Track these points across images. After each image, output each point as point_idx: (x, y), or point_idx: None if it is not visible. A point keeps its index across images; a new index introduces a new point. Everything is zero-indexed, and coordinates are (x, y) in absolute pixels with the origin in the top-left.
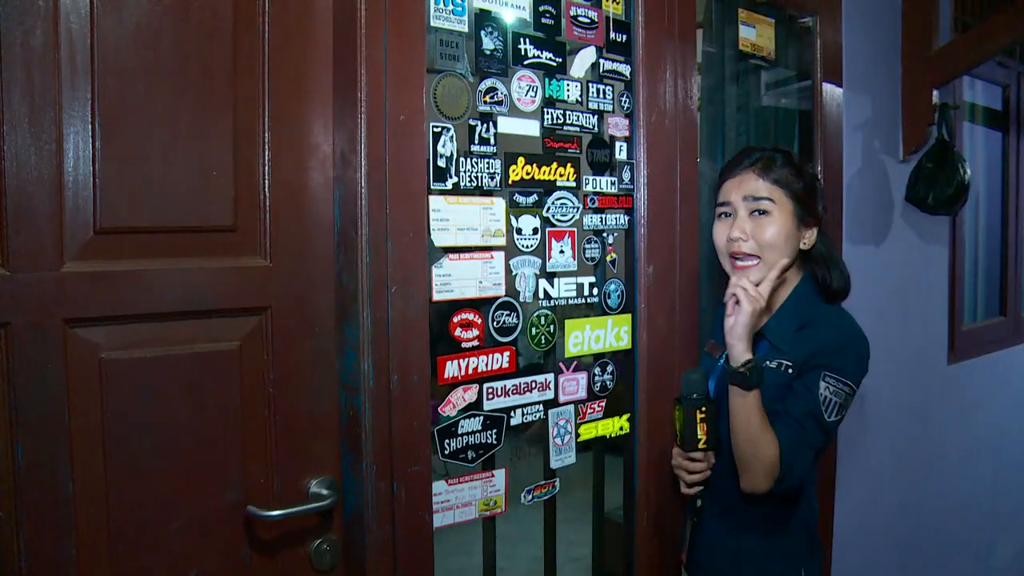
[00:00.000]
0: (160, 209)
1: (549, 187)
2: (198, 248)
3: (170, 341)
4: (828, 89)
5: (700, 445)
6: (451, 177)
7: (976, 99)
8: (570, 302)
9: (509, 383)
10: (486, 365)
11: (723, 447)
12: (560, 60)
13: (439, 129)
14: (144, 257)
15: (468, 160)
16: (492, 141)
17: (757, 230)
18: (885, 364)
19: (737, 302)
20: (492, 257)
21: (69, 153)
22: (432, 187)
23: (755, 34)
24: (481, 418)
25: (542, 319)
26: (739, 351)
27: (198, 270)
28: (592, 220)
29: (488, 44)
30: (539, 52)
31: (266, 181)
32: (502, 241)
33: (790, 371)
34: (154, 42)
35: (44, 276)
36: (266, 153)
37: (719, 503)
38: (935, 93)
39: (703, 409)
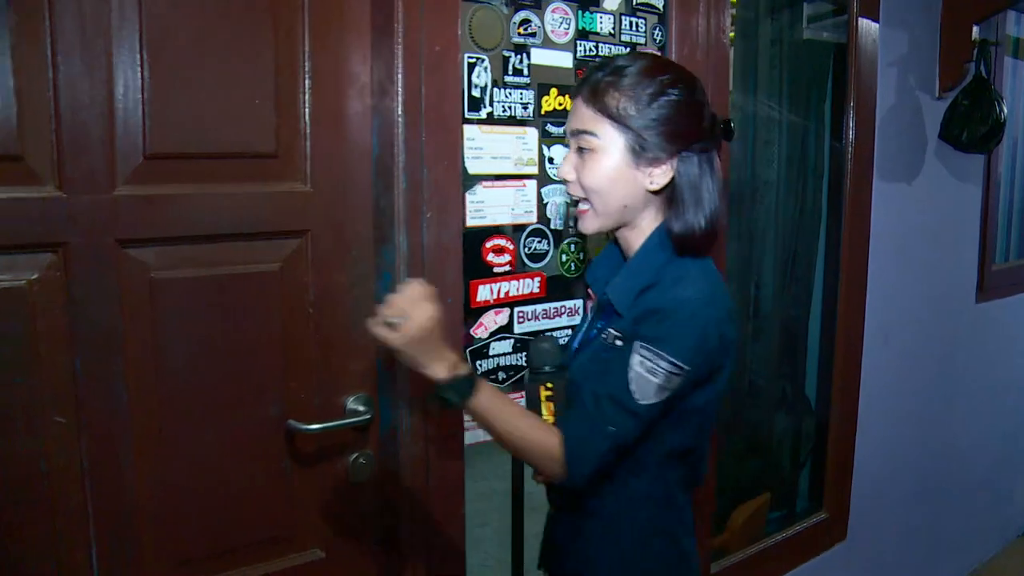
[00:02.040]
0: (206, 135)
1: None
2: (242, 173)
3: (215, 262)
4: (864, 24)
5: None
6: (485, 107)
7: (1021, 33)
8: None
9: (539, 307)
10: (517, 290)
11: None
12: None
13: (473, 60)
14: (191, 181)
15: (502, 90)
16: (525, 72)
17: (582, 170)
18: (912, 301)
19: None
20: (524, 185)
21: (119, 81)
22: (467, 116)
23: None
24: (512, 341)
25: (572, 246)
26: (430, 373)
27: (242, 195)
28: None
29: None
30: None
31: (306, 109)
32: (534, 170)
33: (618, 342)
34: None
35: (98, 199)
36: (306, 82)
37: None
38: (975, 29)
39: (548, 385)
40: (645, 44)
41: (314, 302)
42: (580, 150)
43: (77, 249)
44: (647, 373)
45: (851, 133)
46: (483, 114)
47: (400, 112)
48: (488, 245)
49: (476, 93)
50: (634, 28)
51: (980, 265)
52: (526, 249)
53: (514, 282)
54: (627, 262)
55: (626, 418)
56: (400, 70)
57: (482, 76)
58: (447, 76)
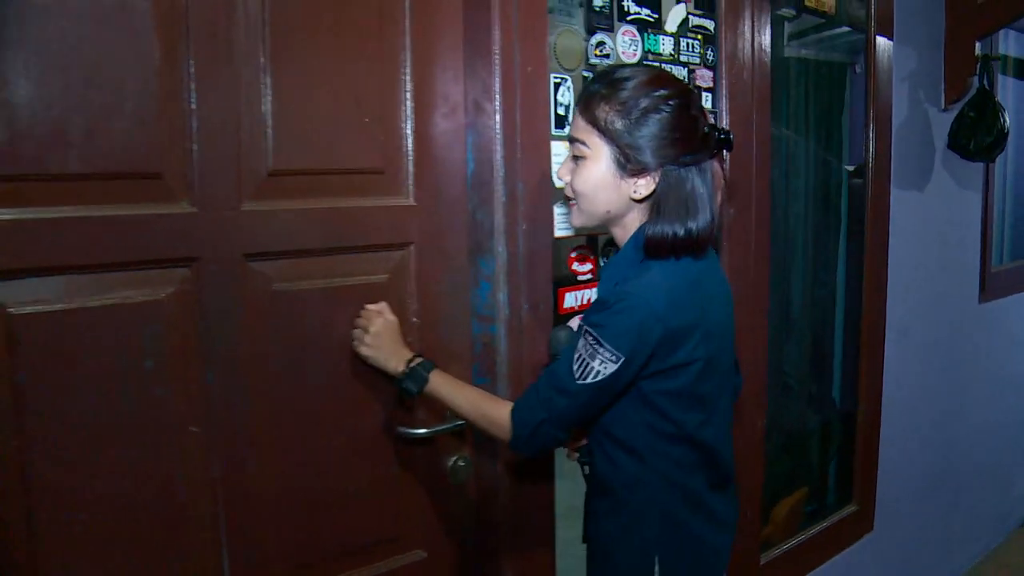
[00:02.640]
0: (321, 153)
1: None
2: (353, 189)
3: (329, 274)
4: (880, 42)
5: None
6: (568, 124)
7: (1009, 51)
8: None
9: None
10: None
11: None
12: (656, 16)
13: (558, 80)
14: (309, 197)
15: None
16: None
17: (574, 175)
18: (922, 301)
19: None
20: None
21: (246, 104)
22: (553, 133)
23: None
24: None
25: None
26: (390, 369)
27: (354, 209)
28: None
29: (598, 1)
30: (639, 8)
31: (408, 127)
32: None
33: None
34: (316, 4)
35: (226, 215)
36: (408, 102)
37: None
38: (977, 45)
39: None
40: (699, 64)
41: (417, 311)
42: (575, 156)
43: (208, 264)
44: (587, 356)
45: (871, 145)
46: (566, 131)
47: (498, 129)
48: (573, 254)
49: (560, 111)
50: (690, 49)
51: (982, 267)
52: (604, 257)
53: (595, 289)
54: (612, 258)
55: (559, 396)
56: (498, 90)
57: (565, 95)
58: (538, 95)
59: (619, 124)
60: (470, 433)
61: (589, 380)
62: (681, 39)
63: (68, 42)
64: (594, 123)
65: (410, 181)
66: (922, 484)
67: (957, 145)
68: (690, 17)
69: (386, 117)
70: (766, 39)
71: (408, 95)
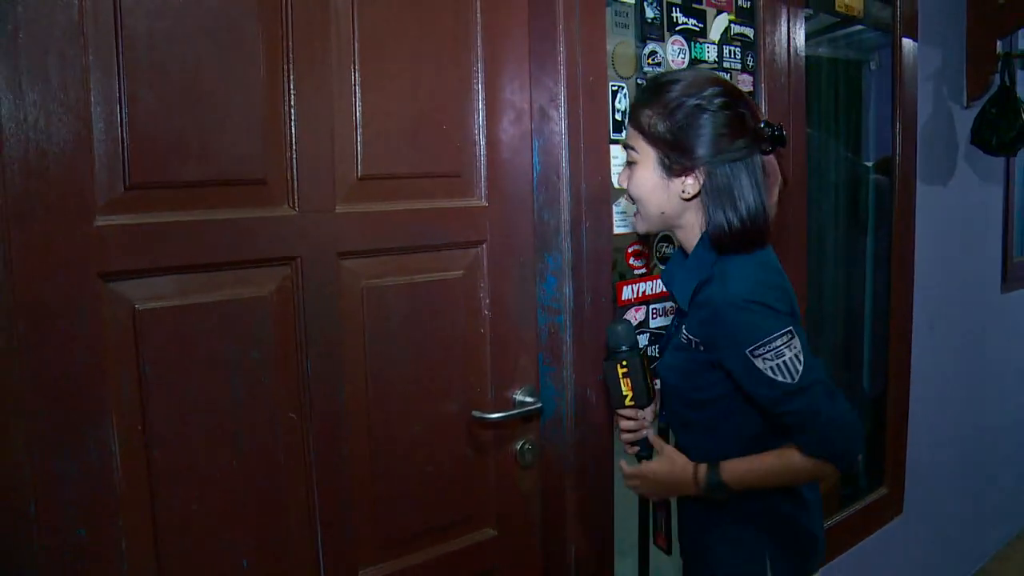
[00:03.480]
0: (406, 158)
1: None
2: (435, 191)
3: (411, 271)
4: (906, 43)
5: (627, 402)
6: (625, 128)
7: None
8: None
9: (669, 304)
10: (652, 289)
11: (675, 413)
12: (702, 26)
13: (615, 88)
14: (395, 199)
15: None
16: None
17: (629, 180)
18: (947, 291)
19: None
20: None
21: (339, 115)
22: (612, 138)
23: None
24: (648, 334)
25: None
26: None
27: (435, 210)
28: None
29: (650, 13)
30: (686, 19)
31: (481, 134)
32: None
33: (701, 348)
34: (400, 23)
35: (323, 216)
36: (481, 110)
37: None
38: (998, 43)
39: (624, 363)
40: (740, 69)
41: (489, 304)
42: (629, 162)
43: (306, 262)
44: (776, 359)
45: (897, 143)
46: (623, 135)
47: (565, 135)
48: (629, 250)
49: (618, 116)
50: (732, 56)
51: (1004, 258)
52: (657, 253)
53: (649, 282)
54: (685, 261)
55: (815, 398)
56: (563, 98)
57: (622, 101)
58: (599, 102)
59: (661, 127)
60: (537, 418)
61: (803, 366)
62: (724, 47)
63: (187, 63)
64: (639, 128)
65: (483, 183)
66: (951, 468)
67: (980, 140)
68: (731, 26)
69: (462, 124)
70: (801, 43)
71: (481, 103)
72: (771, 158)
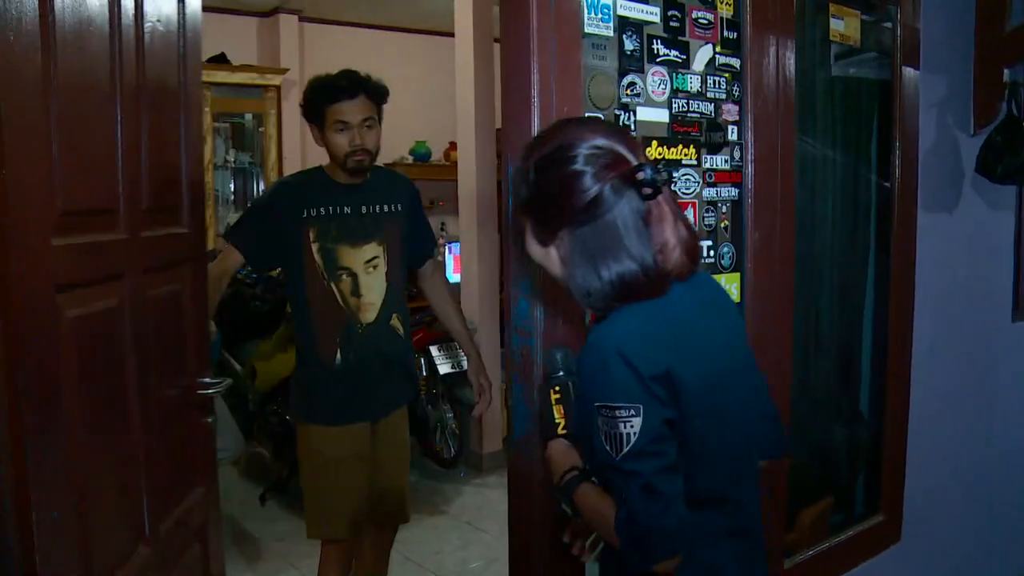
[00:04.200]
0: None
1: (676, 165)
2: None
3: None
4: (907, 72)
5: (559, 430)
6: None
7: None
8: None
9: None
10: None
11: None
12: (684, 57)
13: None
14: None
15: None
16: (633, 127)
17: None
18: (952, 318)
19: None
20: None
21: None
22: None
23: (843, 25)
24: None
25: None
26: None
27: None
28: (709, 193)
29: (628, 45)
30: (668, 51)
31: None
32: None
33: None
34: None
35: None
36: None
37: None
38: (1005, 72)
39: (557, 389)
40: (726, 99)
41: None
42: None
43: None
44: (609, 428)
45: (897, 170)
46: None
47: None
48: None
49: None
50: (716, 86)
51: (1015, 286)
52: None
53: None
54: None
55: (624, 480)
56: (535, 130)
57: None
58: None
59: (522, 194)
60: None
61: (628, 449)
62: (709, 77)
63: None
64: (516, 196)
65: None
66: (953, 498)
67: (986, 169)
68: (717, 56)
69: None
70: (791, 72)
71: None
72: (663, 197)
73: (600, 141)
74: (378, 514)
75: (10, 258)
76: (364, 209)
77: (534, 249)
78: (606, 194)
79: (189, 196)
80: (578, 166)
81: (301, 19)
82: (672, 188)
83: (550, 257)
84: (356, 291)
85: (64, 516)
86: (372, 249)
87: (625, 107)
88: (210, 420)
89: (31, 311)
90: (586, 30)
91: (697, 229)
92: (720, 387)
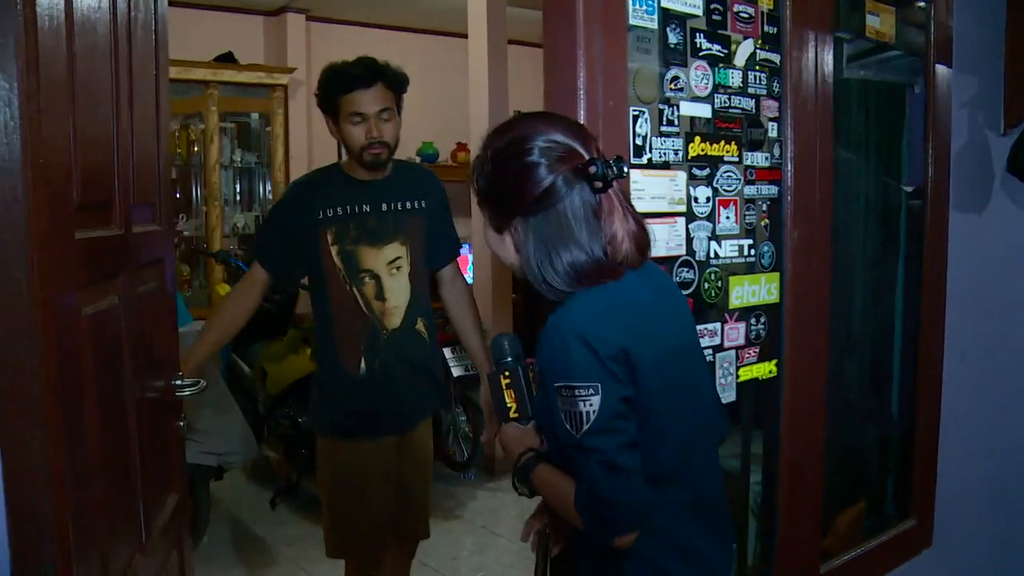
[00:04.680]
0: None
1: (717, 162)
2: None
3: None
4: (940, 70)
5: (511, 414)
6: (646, 153)
7: None
8: (733, 261)
9: None
10: None
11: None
12: (726, 51)
13: (636, 113)
14: None
15: (658, 139)
16: (675, 122)
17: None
18: (983, 320)
19: None
20: (676, 222)
21: None
22: (632, 162)
23: (879, 22)
24: None
25: (712, 275)
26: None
27: None
28: (750, 190)
29: (672, 39)
30: (710, 45)
31: None
32: (683, 208)
33: (541, 378)
34: None
35: None
36: None
37: None
38: None
39: (507, 374)
40: (766, 95)
41: None
42: None
43: None
44: (569, 407)
45: (930, 170)
46: (644, 160)
47: None
48: None
49: (639, 142)
50: (757, 82)
51: None
52: (677, 278)
53: None
54: None
55: (585, 457)
56: (583, 123)
57: (643, 126)
58: (619, 127)
59: (479, 182)
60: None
61: (589, 426)
62: (749, 72)
63: None
64: (474, 184)
65: None
66: (985, 501)
67: (1016, 169)
68: (757, 51)
69: None
70: (829, 69)
71: None
72: (614, 189)
73: (555, 136)
74: (400, 530)
75: (45, 252)
76: (384, 206)
77: (490, 236)
78: (558, 185)
79: (162, 192)
80: (533, 158)
81: (308, 18)
82: (619, 183)
83: (505, 244)
84: (381, 295)
85: (90, 521)
86: (395, 249)
87: (668, 102)
88: (181, 424)
89: (58, 310)
90: (631, 22)
91: (738, 228)
92: (673, 365)
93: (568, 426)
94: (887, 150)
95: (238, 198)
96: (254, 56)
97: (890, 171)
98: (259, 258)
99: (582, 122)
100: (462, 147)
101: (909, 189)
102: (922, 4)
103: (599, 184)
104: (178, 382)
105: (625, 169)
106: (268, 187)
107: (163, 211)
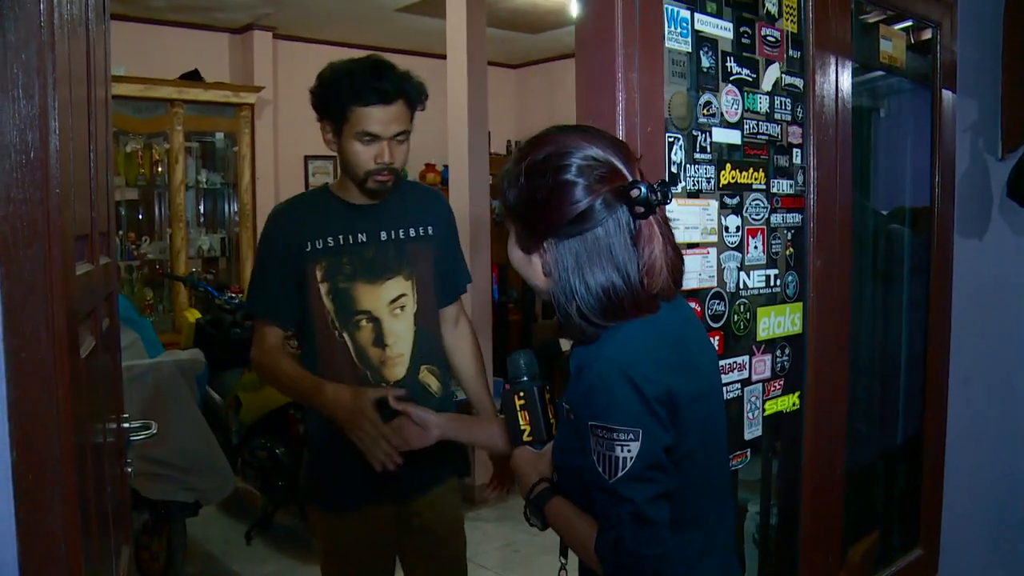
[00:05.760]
0: None
1: (746, 190)
2: None
3: None
4: (945, 95)
5: (525, 437)
6: (680, 181)
7: None
8: (760, 292)
9: (722, 362)
10: None
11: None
12: (755, 76)
13: (671, 139)
14: None
15: (691, 166)
16: (708, 149)
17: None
18: (986, 346)
19: None
20: (708, 252)
21: None
22: None
23: (891, 47)
24: None
25: (741, 307)
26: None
27: None
28: (775, 219)
29: (705, 62)
30: (740, 69)
31: None
32: (714, 239)
33: (571, 416)
34: None
35: None
36: None
37: None
38: None
39: (521, 395)
40: (791, 121)
41: None
42: None
43: None
44: (606, 450)
45: (936, 196)
46: (679, 188)
47: None
48: None
49: (674, 169)
50: (783, 107)
51: None
52: (709, 311)
53: None
54: None
55: (613, 504)
56: None
57: (678, 153)
58: (656, 154)
59: (510, 197)
60: None
61: (623, 474)
62: (775, 97)
63: None
64: (501, 197)
65: None
66: (990, 532)
67: (1016, 194)
68: (782, 76)
69: None
70: (848, 94)
71: None
72: (655, 217)
73: (596, 152)
74: None
75: (55, 285)
76: (384, 235)
77: (516, 255)
78: (597, 208)
79: (111, 223)
80: (570, 176)
81: (276, 36)
82: (666, 211)
83: (532, 265)
84: (380, 341)
85: None
86: (397, 285)
87: (701, 128)
88: (128, 469)
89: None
90: (666, 44)
91: (764, 257)
92: (707, 404)
93: (600, 469)
94: (857, 174)
95: (202, 220)
96: (220, 75)
97: (864, 195)
98: (261, 314)
99: None
100: (430, 168)
101: (885, 212)
102: (927, 29)
103: (641, 209)
104: (125, 425)
105: (670, 195)
106: (235, 208)
107: (111, 243)
